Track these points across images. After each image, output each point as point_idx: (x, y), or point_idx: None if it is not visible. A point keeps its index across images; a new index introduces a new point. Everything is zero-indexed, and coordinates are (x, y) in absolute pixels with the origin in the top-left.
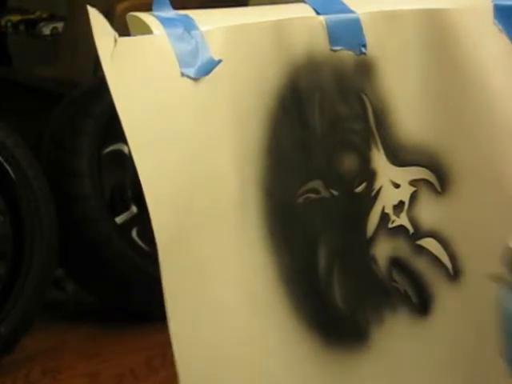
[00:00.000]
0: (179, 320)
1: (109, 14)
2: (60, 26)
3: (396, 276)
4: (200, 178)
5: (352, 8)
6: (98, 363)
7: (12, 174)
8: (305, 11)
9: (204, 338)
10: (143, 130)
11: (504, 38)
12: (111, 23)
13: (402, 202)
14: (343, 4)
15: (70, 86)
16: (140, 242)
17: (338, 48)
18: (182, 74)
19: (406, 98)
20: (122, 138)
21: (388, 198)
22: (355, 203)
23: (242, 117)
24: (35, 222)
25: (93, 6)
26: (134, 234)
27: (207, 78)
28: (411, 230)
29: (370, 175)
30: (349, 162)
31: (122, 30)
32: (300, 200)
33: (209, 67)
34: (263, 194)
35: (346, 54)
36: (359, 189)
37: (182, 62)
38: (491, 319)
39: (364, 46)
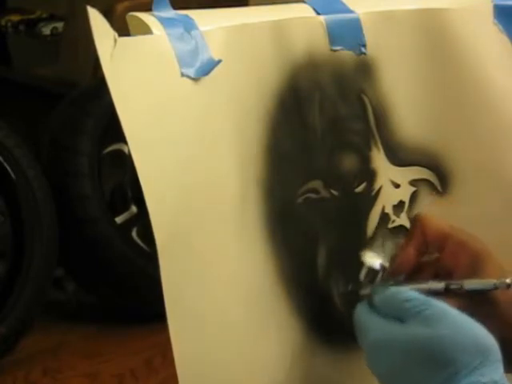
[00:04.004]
0: (179, 320)
1: (109, 14)
2: (60, 26)
3: None
4: (200, 178)
5: (352, 8)
6: (98, 363)
7: (12, 174)
8: (305, 11)
9: (204, 337)
10: (143, 129)
11: (504, 37)
12: (111, 23)
13: (402, 202)
14: (343, 4)
15: (69, 85)
16: (140, 242)
17: (338, 48)
18: (182, 74)
19: (407, 98)
20: (122, 138)
21: (388, 198)
22: (355, 203)
23: (242, 117)
24: (35, 221)
25: (93, 6)
26: (133, 234)
27: (207, 77)
28: None
29: (369, 175)
30: (349, 162)
31: (122, 29)
32: (300, 200)
33: (209, 67)
34: (263, 193)
35: (346, 54)
36: (359, 189)
37: (182, 62)
38: None
39: (364, 46)
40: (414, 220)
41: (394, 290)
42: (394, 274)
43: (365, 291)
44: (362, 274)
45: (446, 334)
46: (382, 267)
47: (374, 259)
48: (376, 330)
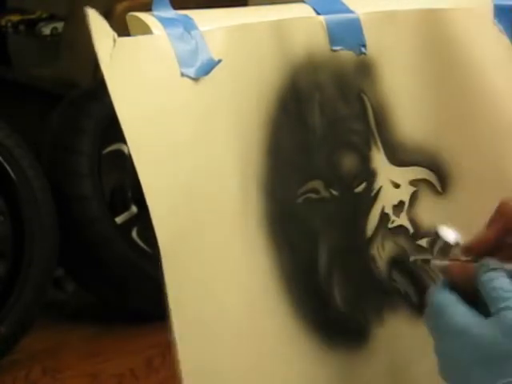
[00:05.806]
0: (182, 320)
1: (108, 14)
2: (60, 26)
3: (396, 276)
4: (200, 178)
5: (352, 8)
6: (98, 363)
7: (12, 174)
8: (305, 11)
9: (206, 337)
10: (142, 130)
11: (504, 38)
12: (111, 23)
13: (402, 202)
14: (343, 4)
15: (70, 86)
16: (140, 243)
17: (338, 48)
18: (182, 74)
19: (407, 98)
20: (122, 138)
21: (388, 198)
22: (355, 203)
23: (242, 117)
24: (35, 222)
25: (93, 6)
26: (134, 234)
27: (207, 77)
28: (411, 230)
29: (369, 175)
30: (349, 162)
31: (122, 30)
32: (300, 200)
33: (209, 67)
34: (264, 194)
35: (346, 54)
36: (359, 189)
37: (182, 62)
38: None
39: (364, 46)
40: (498, 204)
41: (489, 274)
42: (469, 251)
43: (436, 263)
44: (436, 247)
45: None
46: (457, 243)
47: (449, 233)
48: (456, 316)
